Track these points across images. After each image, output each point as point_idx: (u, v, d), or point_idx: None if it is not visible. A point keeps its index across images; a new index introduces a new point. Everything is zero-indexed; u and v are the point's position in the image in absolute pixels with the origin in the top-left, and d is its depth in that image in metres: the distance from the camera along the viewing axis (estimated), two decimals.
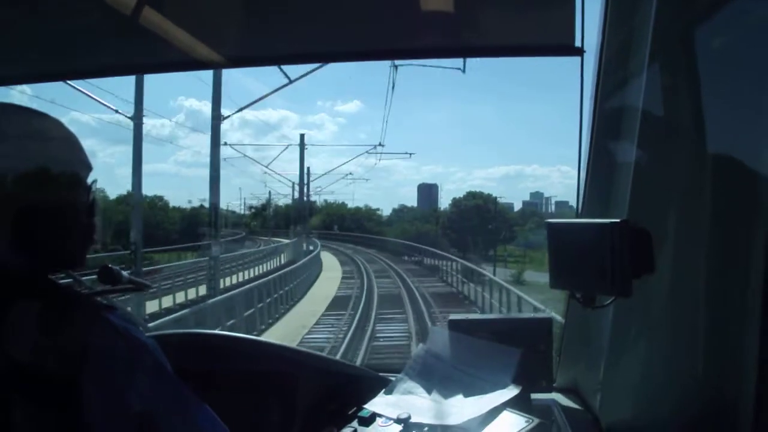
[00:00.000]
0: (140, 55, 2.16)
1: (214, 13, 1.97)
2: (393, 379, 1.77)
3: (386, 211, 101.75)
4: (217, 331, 2.11)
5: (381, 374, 1.89)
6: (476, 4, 1.80)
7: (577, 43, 1.67)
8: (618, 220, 1.42)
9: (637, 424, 1.62)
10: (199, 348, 1.95)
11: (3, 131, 1.21)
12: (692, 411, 1.53)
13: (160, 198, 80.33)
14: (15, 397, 1.08)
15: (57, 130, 1.29)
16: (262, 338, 2.08)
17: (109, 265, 1.46)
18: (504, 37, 1.92)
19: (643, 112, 1.54)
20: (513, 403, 1.58)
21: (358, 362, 10.02)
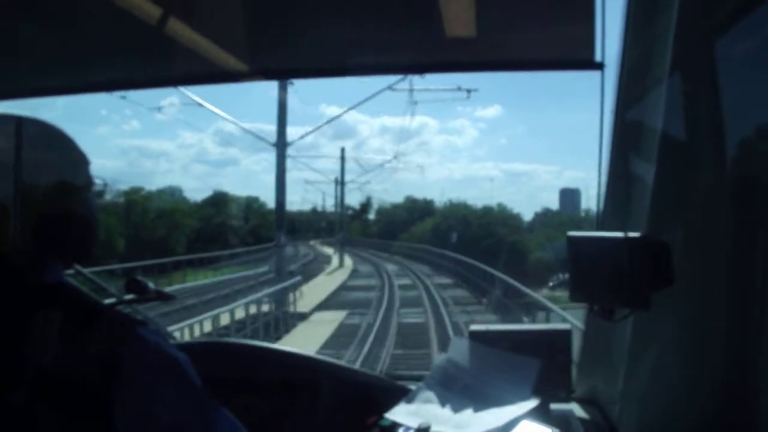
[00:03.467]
0: (165, 67, 2.21)
1: (239, 23, 2.01)
2: (413, 388, 1.79)
3: (527, 216, 73.26)
4: (238, 340, 2.14)
5: (401, 383, 1.91)
6: (497, 19, 1.82)
7: (598, 58, 1.69)
8: (637, 235, 1.43)
9: None
10: (221, 356, 1.98)
11: (20, 144, 1.23)
12: (711, 424, 1.54)
13: (255, 199, 70.71)
14: (43, 407, 1.12)
15: (59, 135, 1.33)
16: (283, 347, 2.10)
17: (138, 278, 1.51)
18: (524, 51, 1.94)
19: (664, 126, 1.54)
20: (532, 414, 1.60)
21: None
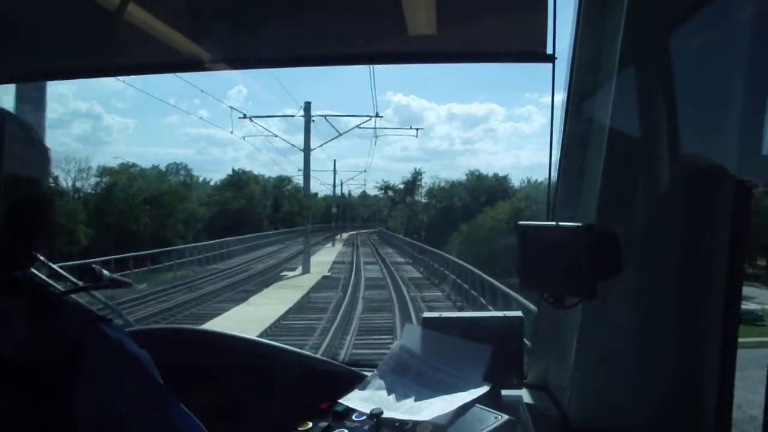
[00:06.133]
0: (123, 54, 2.18)
1: (200, 11, 1.99)
2: (368, 374, 1.81)
3: None
4: (196, 327, 2.14)
5: (355, 369, 1.93)
6: (451, 11, 1.84)
7: (549, 50, 1.71)
8: (585, 225, 1.47)
9: (604, 421, 1.66)
10: (180, 343, 1.98)
11: (3, 137, 1.22)
12: (657, 407, 1.58)
13: (287, 180, 58.76)
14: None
15: (23, 128, 1.30)
16: (240, 334, 2.10)
17: (93, 265, 1.51)
18: (477, 43, 1.96)
19: (613, 118, 1.57)
20: (483, 400, 1.62)
21: None
